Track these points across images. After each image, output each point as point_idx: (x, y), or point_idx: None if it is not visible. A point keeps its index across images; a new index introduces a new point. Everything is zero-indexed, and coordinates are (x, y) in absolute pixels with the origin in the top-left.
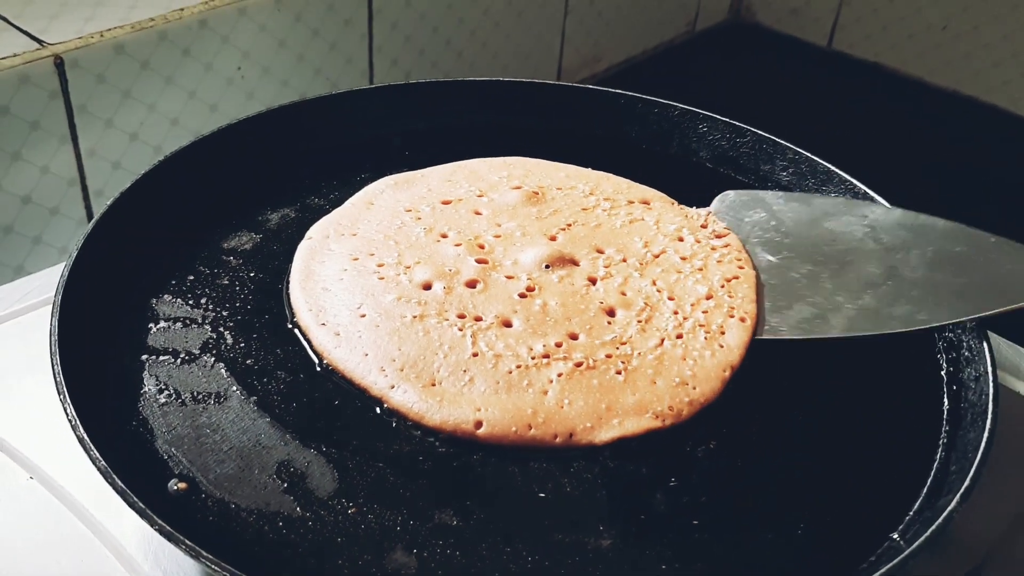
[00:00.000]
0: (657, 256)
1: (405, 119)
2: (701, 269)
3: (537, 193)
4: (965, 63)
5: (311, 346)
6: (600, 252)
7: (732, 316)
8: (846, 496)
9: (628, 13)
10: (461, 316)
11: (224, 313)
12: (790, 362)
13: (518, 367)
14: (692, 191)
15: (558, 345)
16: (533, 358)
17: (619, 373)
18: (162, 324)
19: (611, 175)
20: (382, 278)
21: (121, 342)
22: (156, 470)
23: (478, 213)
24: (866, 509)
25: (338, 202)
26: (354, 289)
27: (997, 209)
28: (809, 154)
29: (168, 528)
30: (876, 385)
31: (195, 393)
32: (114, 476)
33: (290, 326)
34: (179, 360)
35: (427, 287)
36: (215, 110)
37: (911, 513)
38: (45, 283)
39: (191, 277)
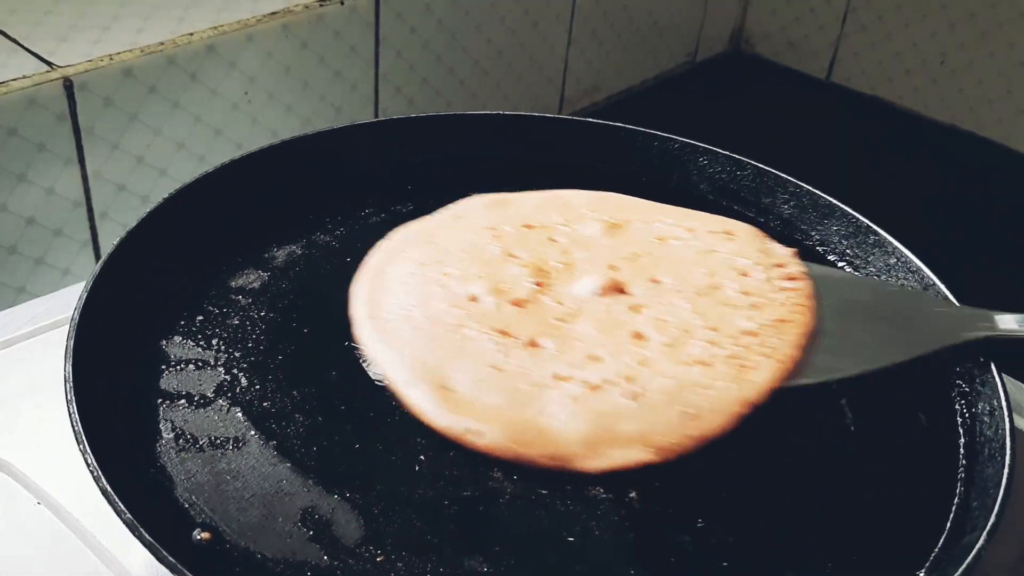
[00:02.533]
0: (716, 289)
1: (406, 152)
2: (756, 307)
3: (619, 225)
4: (961, 98)
5: (355, 337)
6: (657, 282)
7: (768, 357)
8: (870, 534)
9: (629, 44)
10: (499, 331)
11: (237, 354)
12: (805, 400)
13: (534, 385)
14: None
15: (579, 366)
16: (552, 378)
17: (630, 397)
18: (174, 367)
19: (714, 216)
20: (441, 286)
21: (133, 386)
22: (178, 519)
23: (554, 241)
24: (891, 547)
25: (345, 238)
26: (412, 292)
27: (992, 242)
28: (810, 188)
29: None
30: (889, 420)
31: (212, 438)
32: (141, 530)
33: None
34: (194, 404)
35: (476, 300)
36: (220, 135)
37: (936, 551)
38: (51, 307)
39: (200, 317)
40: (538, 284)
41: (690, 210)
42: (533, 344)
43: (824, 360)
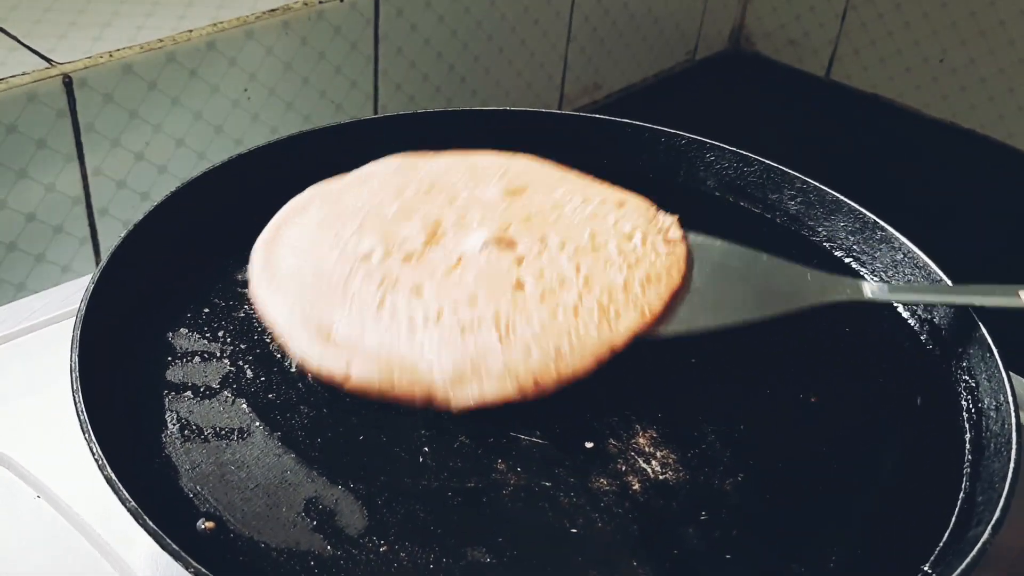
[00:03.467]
0: (597, 249)
1: (407, 149)
2: (631, 265)
3: (518, 190)
4: (962, 96)
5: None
6: (543, 241)
7: (633, 308)
8: (875, 528)
9: (629, 41)
10: (383, 282)
11: (242, 347)
12: (810, 396)
13: (409, 328)
14: (699, 220)
15: (454, 310)
16: (424, 320)
17: (497, 338)
18: (179, 358)
19: (611, 188)
20: (334, 242)
21: (139, 377)
22: (183, 509)
23: (454, 203)
24: (895, 541)
25: None
26: (307, 248)
27: (994, 240)
28: (817, 184)
29: (204, 571)
30: (895, 415)
31: (217, 429)
32: (146, 518)
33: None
34: (199, 395)
35: (367, 256)
36: (220, 132)
37: (941, 545)
38: (50, 302)
39: (206, 310)
40: (428, 241)
41: (592, 181)
42: (415, 293)
43: (686, 314)
